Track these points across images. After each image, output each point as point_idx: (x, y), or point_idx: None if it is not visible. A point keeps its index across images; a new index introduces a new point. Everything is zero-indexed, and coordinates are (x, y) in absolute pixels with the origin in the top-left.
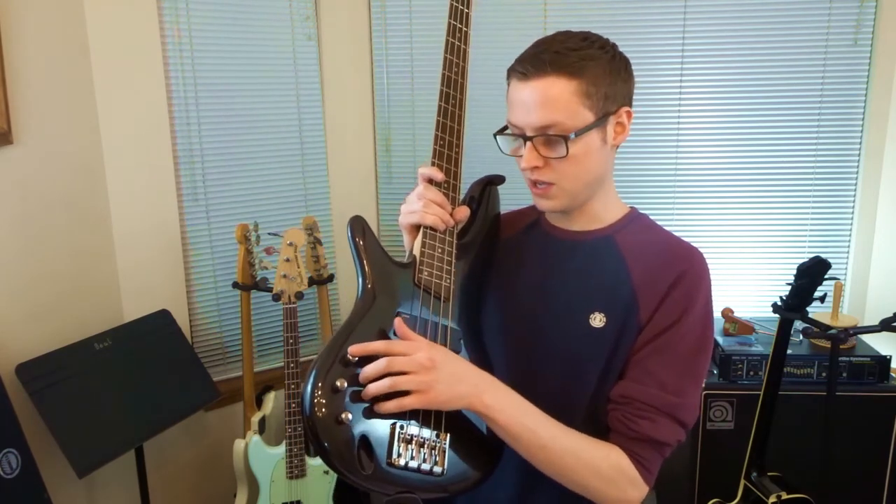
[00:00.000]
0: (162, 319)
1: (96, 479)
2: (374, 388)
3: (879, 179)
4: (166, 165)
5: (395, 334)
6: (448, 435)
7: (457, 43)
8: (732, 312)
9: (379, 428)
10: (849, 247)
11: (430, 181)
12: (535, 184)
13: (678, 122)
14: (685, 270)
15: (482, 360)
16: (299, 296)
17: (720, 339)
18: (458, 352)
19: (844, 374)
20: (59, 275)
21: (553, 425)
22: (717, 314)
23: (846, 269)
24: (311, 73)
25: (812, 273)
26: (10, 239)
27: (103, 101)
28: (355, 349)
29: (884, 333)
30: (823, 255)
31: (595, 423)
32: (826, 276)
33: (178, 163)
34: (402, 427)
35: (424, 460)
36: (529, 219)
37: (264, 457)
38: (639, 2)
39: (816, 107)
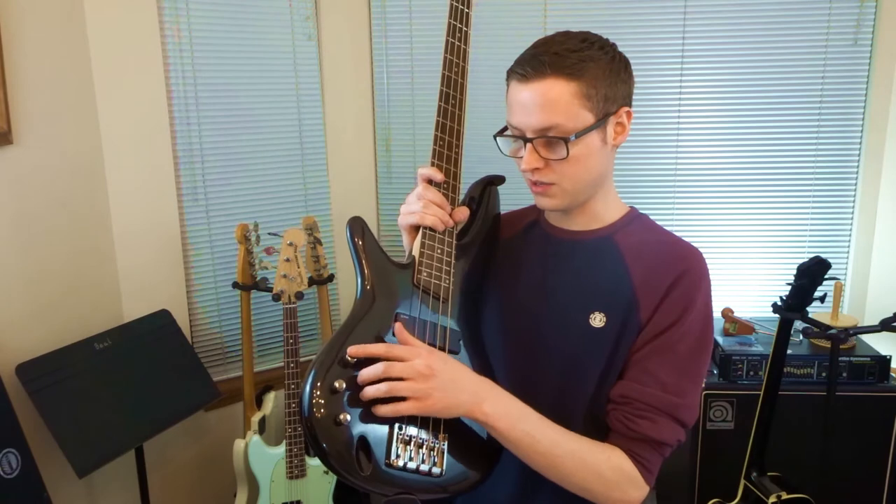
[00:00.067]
0: (162, 319)
1: (96, 479)
2: (370, 392)
3: (879, 179)
4: (166, 165)
5: (393, 334)
6: (447, 436)
7: (457, 43)
8: (732, 312)
9: (377, 429)
10: (849, 247)
11: (430, 181)
12: (535, 183)
13: (678, 122)
14: (685, 270)
15: (482, 360)
16: (299, 296)
17: (720, 339)
18: (457, 352)
19: (844, 374)
20: (59, 275)
21: (553, 430)
22: (717, 314)
23: (846, 269)
24: (311, 73)
25: (812, 273)
26: (11, 239)
27: (103, 101)
28: (354, 350)
29: (884, 333)
30: (823, 255)
31: (595, 423)
32: (826, 276)
33: (178, 163)
34: (400, 428)
35: (423, 461)
36: (529, 219)
37: (264, 457)
38: (639, 2)
39: (816, 107)
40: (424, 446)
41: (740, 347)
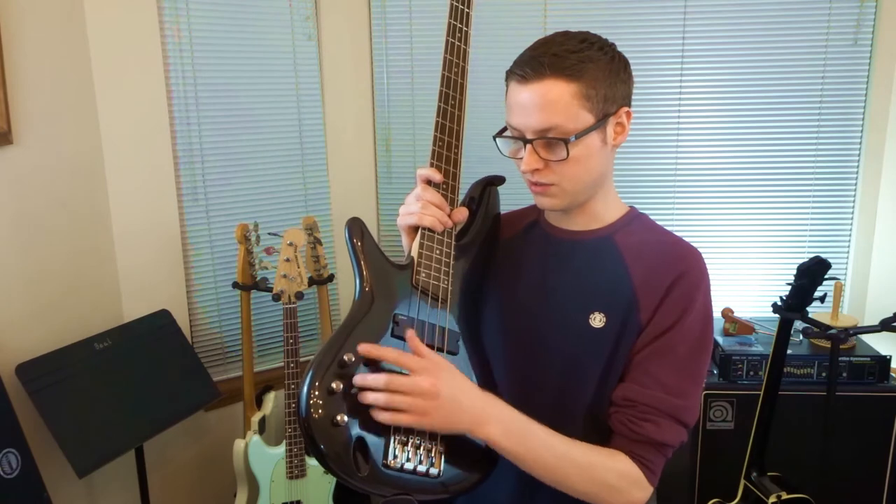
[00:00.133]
0: (162, 319)
1: (96, 479)
2: (370, 398)
3: (879, 179)
4: (166, 165)
5: (392, 335)
6: (445, 437)
7: (457, 43)
8: (732, 312)
9: (375, 430)
10: (849, 247)
11: (429, 182)
12: (535, 183)
13: (678, 122)
14: (684, 271)
15: (481, 360)
16: (299, 296)
17: (720, 339)
18: (455, 353)
19: (844, 374)
20: (59, 275)
21: (557, 442)
22: (717, 314)
23: (846, 269)
24: (311, 73)
25: (812, 273)
26: (11, 239)
27: (103, 101)
28: (366, 349)
29: (884, 333)
30: (823, 255)
31: (595, 424)
32: (826, 276)
33: (178, 163)
34: (398, 429)
35: (421, 462)
36: (529, 219)
37: (264, 457)
38: (639, 2)
39: (816, 107)
40: (422, 447)
41: (740, 347)
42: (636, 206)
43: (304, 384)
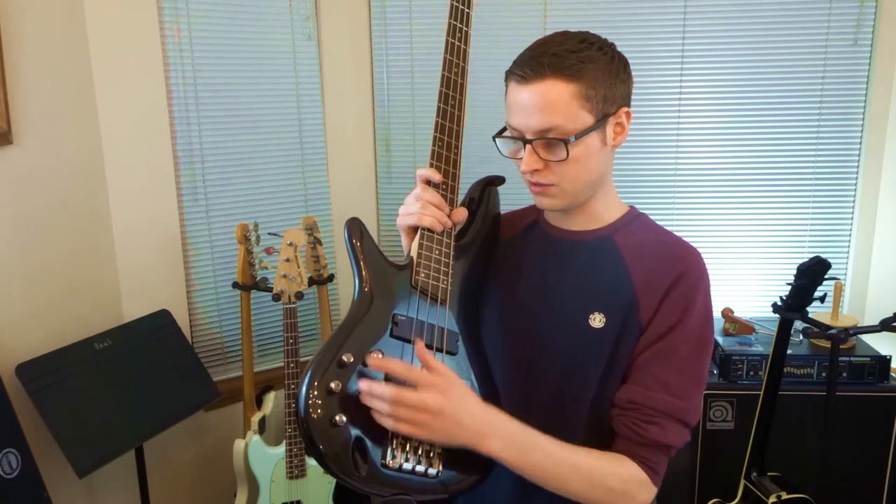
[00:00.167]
0: (162, 319)
1: (96, 479)
2: (375, 405)
3: (879, 179)
4: (166, 165)
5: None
6: None
7: (457, 43)
8: (732, 312)
9: (374, 430)
10: (849, 247)
11: (429, 182)
12: (534, 183)
13: (678, 122)
14: (684, 272)
15: (480, 361)
16: (299, 296)
17: (720, 339)
18: (454, 353)
19: (844, 374)
20: (59, 275)
21: (559, 451)
22: (717, 314)
23: (846, 269)
24: (311, 73)
25: (812, 273)
26: (10, 239)
27: (103, 101)
28: (374, 362)
29: (884, 333)
30: (823, 255)
31: (596, 424)
32: (826, 276)
33: (178, 163)
34: None
35: (419, 462)
36: (529, 219)
37: (264, 457)
38: (639, 2)
39: (816, 107)
40: (421, 447)
41: (740, 347)
42: (636, 206)
43: (302, 384)
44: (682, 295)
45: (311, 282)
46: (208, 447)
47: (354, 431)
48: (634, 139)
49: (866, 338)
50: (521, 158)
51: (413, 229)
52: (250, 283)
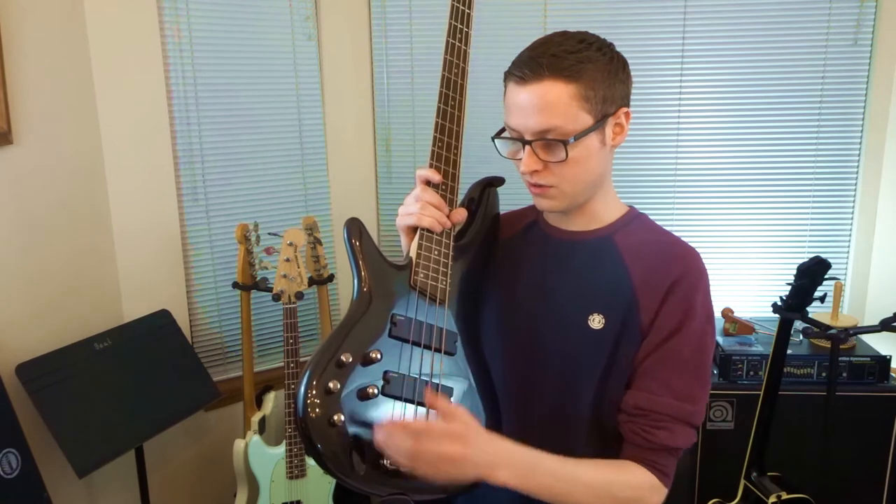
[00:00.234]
0: (162, 319)
1: (96, 479)
2: (394, 456)
3: (879, 179)
4: (166, 165)
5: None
6: None
7: (457, 44)
8: (732, 312)
9: (372, 430)
10: (849, 247)
11: (428, 183)
12: (534, 185)
13: (678, 122)
14: (683, 273)
15: (479, 361)
16: (299, 296)
17: (720, 339)
18: (453, 354)
19: (844, 374)
20: (59, 275)
21: (565, 470)
22: (717, 314)
23: (846, 269)
24: (311, 73)
25: (812, 273)
26: (10, 239)
27: (103, 101)
28: (390, 427)
29: (884, 333)
30: (823, 255)
31: (597, 425)
32: (826, 276)
33: (178, 163)
34: None
35: None
36: (528, 219)
37: (264, 457)
38: (639, 2)
39: (816, 107)
40: None
41: (740, 347)
42: (636, 206)
43: (301, 384)
44: (683, 297)
45: (311, 282)
46: (208, 447)
47: (353, 431)
48: (634, 139)
49: (866, 338)
50: (520, 159)
51: (412, 229)
52: (250, 283)
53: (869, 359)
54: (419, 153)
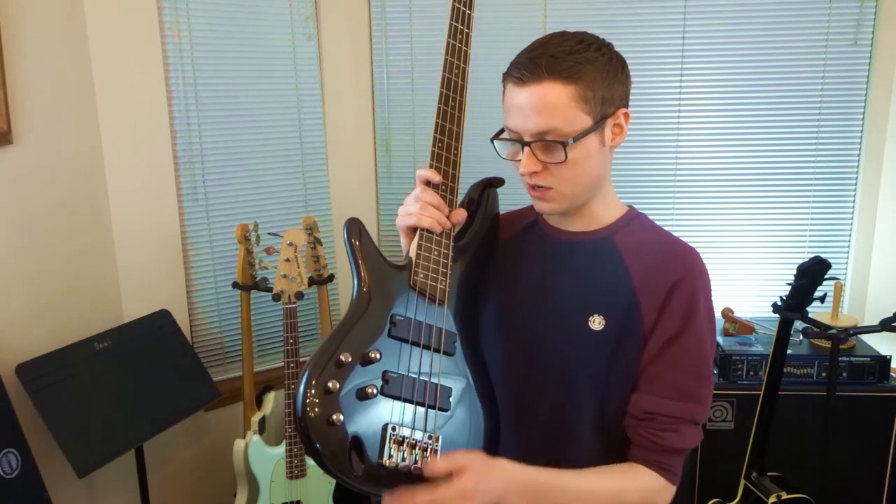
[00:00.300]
0: (162, 319)
1: (96, 479)
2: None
3: (879, 179)
4: (166, 165)
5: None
6: (440, 437)
7: (457, 44)
8: (732, 312)
9: (371, 429)
10: (849, 247)
11: (428, 183)
12: (533, 187)
13: (678, 122)
14: (684, 273)
15: (478, 361)
16: (299, 296)
17: (720, 340)
18: (452, 354)
19: (844, 374)
20: (59, 275)
21: (573, 484)
22: (717, 314)
23: (846, 269)
24: (311, 73)
25: (812, 273)
26: (10, 239)
27: (103, 101)
28: (397, 500)
29: (884, 333)
30: (823, 255)
31: (599, 427)
32: (826, 276)
33: (178, 163)
34: (394, 429)
35: (416, 462)
36: (528, 219)
37: (264, 457)
38: (639, 2)
39: (816, 107)
40: (417, 447)
41: (740, 347)
42: (636, 206)
43: (300, 383)
44: (685, 298)
45: (311, 282)
46: (208, 447)
47: (351, 430)
48: (634, 139)
49: (866, 338)
50: (519, 161)
51: (412, 230)
52: (250, 283)
53: (869, 359)
54: (419, 153)
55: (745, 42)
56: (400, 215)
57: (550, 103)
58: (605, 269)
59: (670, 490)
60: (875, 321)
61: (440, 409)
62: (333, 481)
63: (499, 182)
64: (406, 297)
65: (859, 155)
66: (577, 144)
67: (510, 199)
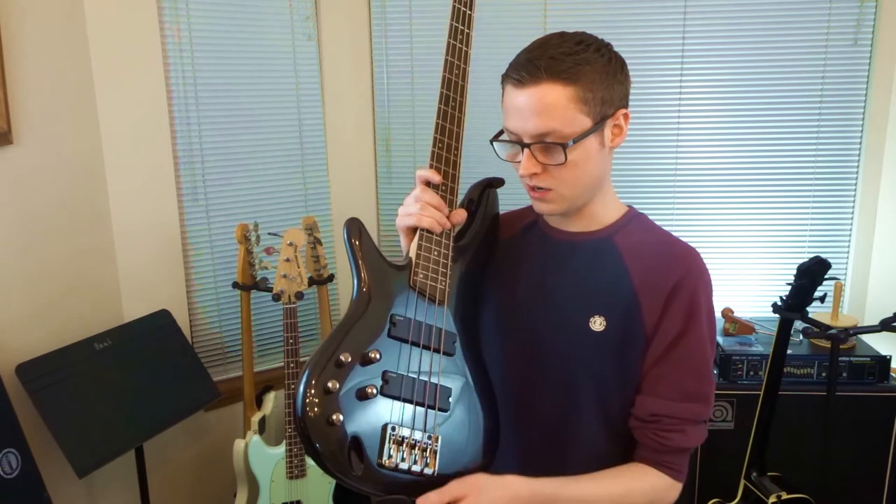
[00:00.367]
0: (162, 319)
1: (96, 479)
2: None
3: (879, 179)
4: (166, 165)
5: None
6: (440, 437)
7: (458, 45)
8: (732, 312)
9: (370, 429)
10: (849, 247)
11: (428, 183)
12: (533, 188)
13: (678, 122)
14: (685, 274)
15: (478, 362)
16: (299, 296)
17: (720, 340)
18: (451, 354)
19: (844, 374)
20: (59, 275)
21: (580, 490)
22: (717, 314)
23: (846, 269)
24: (311, 73)
25: (812, 273)
26: (10, 239)
27: (103, 101)
28: None
29: (884, 333)
30: (823, 255)
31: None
32: (826, 276)
33: (178, 163)
34: (393, 429)
35: (415, 462)
36: (528, 219)
37: (264, 457)
38: (639, 2)
39: (816, 107)
40: (417, 447)
41: (740, 347)
42: (636, 205)
43: (300, 383)
44: (687, 299)
45: (311, 282)
46: (208, 447)
47: (351, 430)
48: (634, 139)
49: (866, 338)
50: (518, 162)
51: (412, 230)
52: (250, 283)
53: (869, 359)
54: (419, 153)
55: (745, 42)
56: (400, 215)
57: (550, 105)
58: (605, 270)
59: (677, 488)
60: (875, 321)
61: (440, 409)
62: (333, 481)
63: (499, 182)
64: (406, 298)
65: (859, 155)
66: (576, 146)
67: (510, 199)
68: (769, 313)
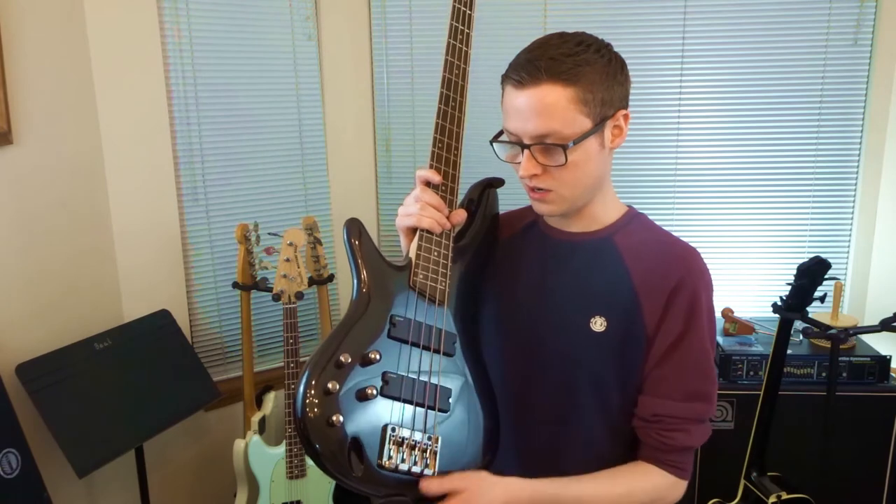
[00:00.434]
0: (162, 319)
1: (96, 479)
2: None
3: (879, 179)
4: (166, 165)
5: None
6: (440, 437)
7: (458, 45)
8: (732, 312)
9: (370, 430)
10: (849, 247)
11: (428, 183)
12: (533, 189)
13: (678, 122)
14: (685, 274)
15: (478, 362)
16: (299, 296)
17: (720, 340)
18: (451, 355)
19: (844, 374)
20: (59, 275)
21: (586, 491)
22: (717, 314)
23: (846, 269)
24: (311, 73)
25: (812, 273)
26: (10, 239)
27: (103, 101)
28: None
29: (884, 333)
30: (823, 255)
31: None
32: (826, 276)
33: (178, 163)
34: (393, 430)
35: (415, 462)
36: (527, 219)
37: (264, 457)
38: (639, 2)
39: (816, 107)
40: (417, 448)
41: (740, 347)
42: (636, 205)
43: (300, 384)
44: (688, 299)
45: (311, 282)
46: (208, 447)
47: (351, 431)
48: (634, 140)
49: (866, 338)
50: (518, 163)
51: (412, 230)
52: (250, 283)
53: (869, 359)
54: (419, 153)
55: (745, 42)
56: (400, 216)
57: (550, 106)
58: (605, 270)
59: (681, 486)
60: (875, 321)
61: (440, 410)
62: (333, 481)
63: (499, 182)
64: (406, 298)
65: (859, 155)
66: (576, 147)
67: (510, 199)
68: (769, 313)
